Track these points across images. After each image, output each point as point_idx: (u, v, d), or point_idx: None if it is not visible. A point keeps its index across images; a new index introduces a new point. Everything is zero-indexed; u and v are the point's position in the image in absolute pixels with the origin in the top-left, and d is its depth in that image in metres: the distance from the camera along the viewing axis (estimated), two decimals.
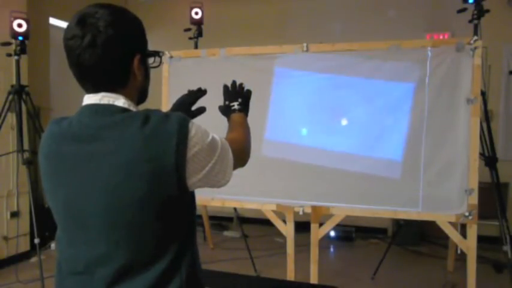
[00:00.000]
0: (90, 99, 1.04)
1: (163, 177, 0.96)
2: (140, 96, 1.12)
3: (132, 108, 1.05)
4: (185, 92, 1.46)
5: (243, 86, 1.44)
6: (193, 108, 1.44)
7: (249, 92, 1.42)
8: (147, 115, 0.99)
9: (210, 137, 1.04)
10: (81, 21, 0.98)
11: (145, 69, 1.10)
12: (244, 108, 1.39)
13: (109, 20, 0.98)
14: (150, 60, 1.14)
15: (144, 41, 1.09)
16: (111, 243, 0.99)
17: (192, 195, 1.08)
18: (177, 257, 1.02)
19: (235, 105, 1.38)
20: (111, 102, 1.02)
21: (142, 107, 1.13)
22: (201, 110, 1.43)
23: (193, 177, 1.01)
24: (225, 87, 1.44)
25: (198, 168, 1.01)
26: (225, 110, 1.40)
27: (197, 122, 1.04)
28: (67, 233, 1.06)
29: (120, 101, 1.03)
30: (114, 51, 0.99)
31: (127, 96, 1.05)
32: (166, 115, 1.00)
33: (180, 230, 1.04)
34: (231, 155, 1.09)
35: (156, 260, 0.99)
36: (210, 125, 1.11)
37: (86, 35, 0.97)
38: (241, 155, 1.18)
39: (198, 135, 1.00)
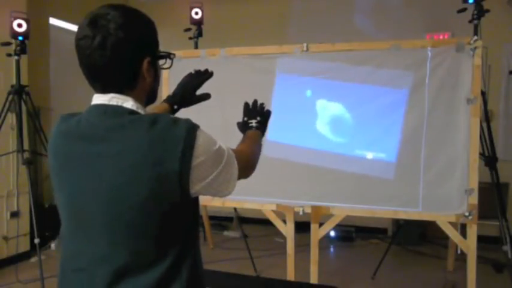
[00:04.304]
0: (99, 99, 1.04)
1: (166, 182, 0.95)
2: (149, 97, 1.12)
3: (141, 110, 1.05)
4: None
5: (264, 105, 1.43)
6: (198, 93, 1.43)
7: (268, 112, 1.43)
8: (155, 119, 0.98)
9: (217, 146, 1.03)
10: (93, 22, 0.98)
11: (155, 71, 1.09)
12: (262, 126, 1.39)
13: (120, 22, 0.98)
14: (161, 61, 1.13)
15: (155, 44, 1.08)
16: (111, 243, 0.99)
17: (195, 201, 1.07)
18: (178, 260, 1.01)
19: (253, 122, 1.38)
20: (119, 104, 1.02)
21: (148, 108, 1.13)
22: (205, 97, 1.41)
23: (197, 185, 1.00)
24: (246, 104, 1.44)
25: (202, 177, 1.00)
26: (243, 127, 1.40)
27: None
28: (70, 230, 1.07)
29: (128, 103, 1.03)
30: (123, 54, 0.99)
31: (136, 98, 1.04)
32: (175, 120, 0.99)
33: (181, 234, 1.03)
34: (236, 166, 1.08)
35: (156, 262, 0.99)
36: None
37: (96, 36, 0.97)
38: (245, 168, 1.16)
39: (205, 144, 1.00)
